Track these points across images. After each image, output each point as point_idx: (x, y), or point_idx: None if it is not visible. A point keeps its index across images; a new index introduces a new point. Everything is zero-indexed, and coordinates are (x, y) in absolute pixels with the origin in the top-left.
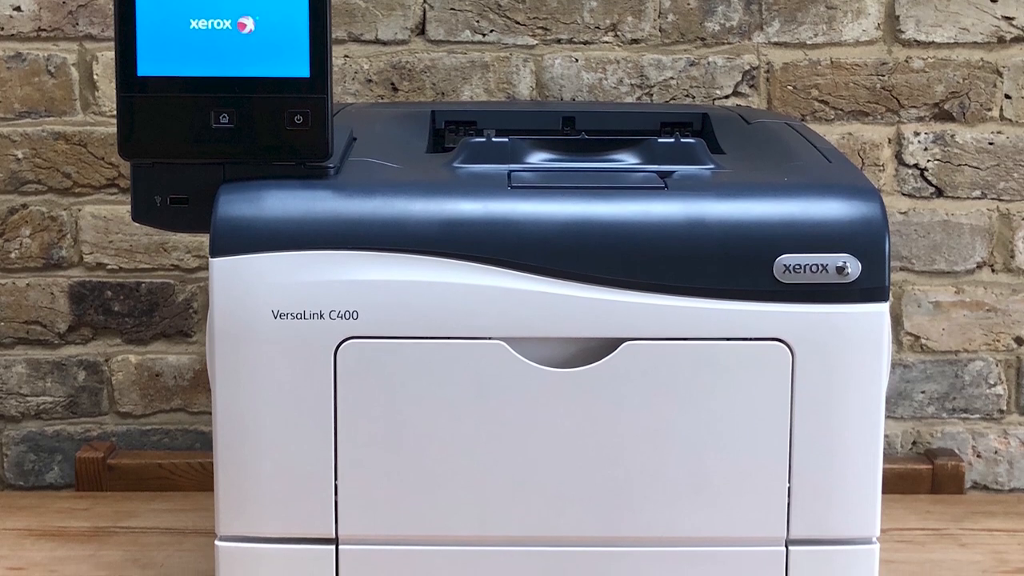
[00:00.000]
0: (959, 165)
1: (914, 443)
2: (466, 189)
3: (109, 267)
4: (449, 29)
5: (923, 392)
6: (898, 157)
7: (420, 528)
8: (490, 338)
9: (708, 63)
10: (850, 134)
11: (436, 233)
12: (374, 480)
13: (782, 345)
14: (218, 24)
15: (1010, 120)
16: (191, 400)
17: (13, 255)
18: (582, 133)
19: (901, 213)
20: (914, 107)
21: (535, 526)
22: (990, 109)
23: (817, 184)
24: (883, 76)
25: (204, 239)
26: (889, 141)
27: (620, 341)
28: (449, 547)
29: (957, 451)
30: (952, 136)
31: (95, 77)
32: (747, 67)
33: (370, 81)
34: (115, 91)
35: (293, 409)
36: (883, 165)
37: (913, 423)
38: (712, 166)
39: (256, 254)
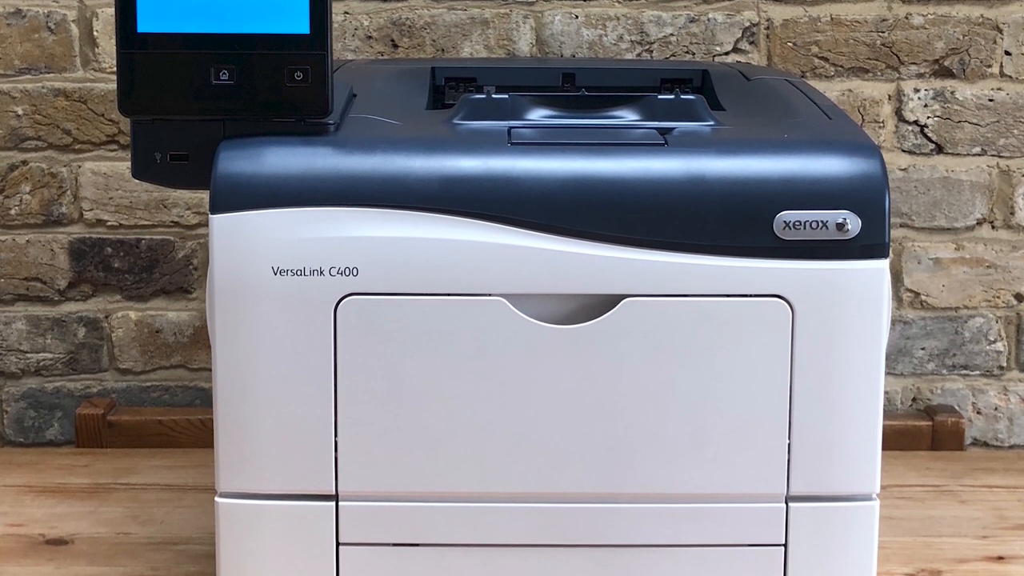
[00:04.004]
0: (959, 122)
1: (914, 400)
2: (466, 146)
3: (109, 224)
4: None
5: (923, 349)
6: (898, 114)
7: (420, 485)
8: (490, 294)
9: (708, 20)
10: (850, 91)
11: (436, 189)
12: (374, 436)
13: (782, 301)
14: None
15: (1010, 77)
16: (191, 357)
17: (13, 212)
18: (582, 90)
19: (901, 170)
20: (914, 64)
21: (535, 483)
22: (990, 66)
23: (817, 140)
24: (883, 33)
25: (204, 196)
26: (889, 98)
27: (620, 297)
28: (449, 503)
29: (957, 408)
30: (952, 93)
31: (95, 33)
32: (747, 24)
33: (370, 38)
34: (115, 47)
35: (293, 365)
36: (883, 122)
37: (913, 380)
38: (712, 122)
39: (256, 211)
